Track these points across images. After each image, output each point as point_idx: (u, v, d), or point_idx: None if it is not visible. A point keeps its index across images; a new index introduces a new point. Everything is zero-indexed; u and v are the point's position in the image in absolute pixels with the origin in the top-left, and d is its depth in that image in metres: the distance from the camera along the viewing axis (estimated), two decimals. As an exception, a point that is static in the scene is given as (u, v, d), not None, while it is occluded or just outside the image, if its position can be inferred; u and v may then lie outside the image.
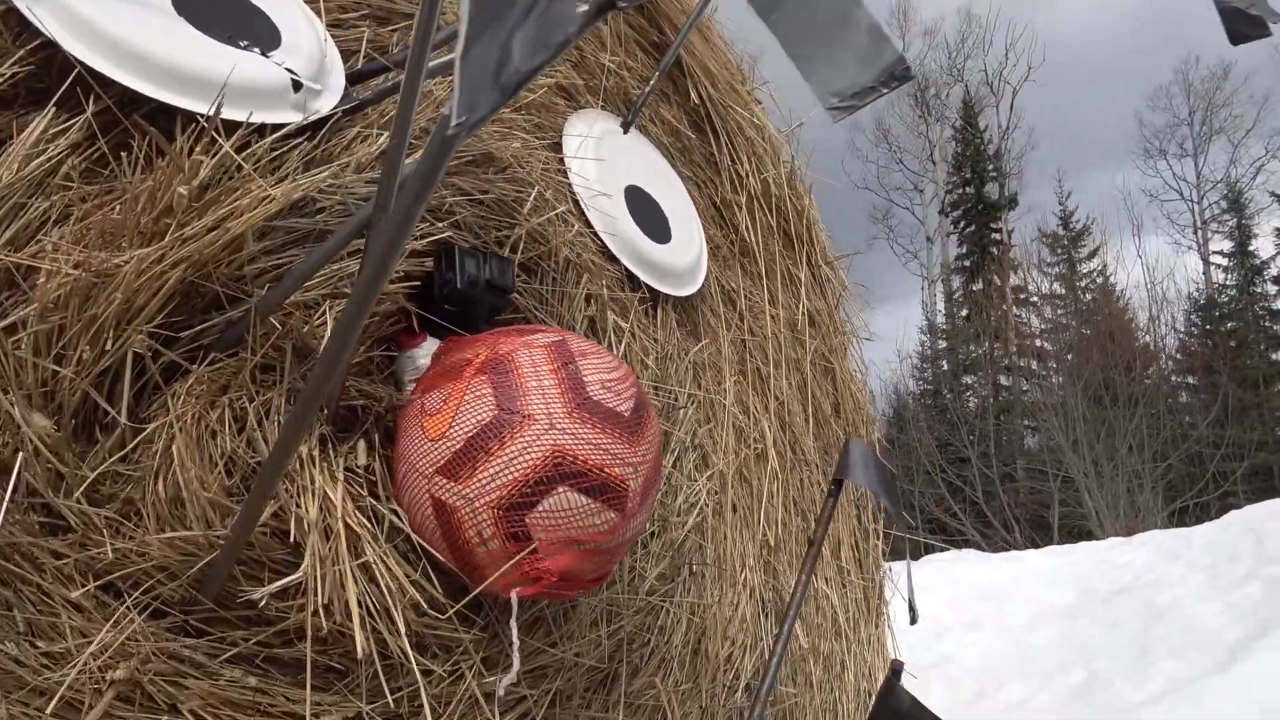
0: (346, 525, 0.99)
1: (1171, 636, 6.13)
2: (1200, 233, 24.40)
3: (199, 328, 0.99)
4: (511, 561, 0.95)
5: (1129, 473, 14.03)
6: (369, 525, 1.02)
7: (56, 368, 0.87)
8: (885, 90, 1.07)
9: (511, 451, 0.96)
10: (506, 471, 0.95)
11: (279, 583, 0.92)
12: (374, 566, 1.00)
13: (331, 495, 1.00)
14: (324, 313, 1.07)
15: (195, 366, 0.96)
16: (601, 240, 1.52)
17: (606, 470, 0.99)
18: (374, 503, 1.05)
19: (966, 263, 24.06)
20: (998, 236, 24.03)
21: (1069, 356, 19.70)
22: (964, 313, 23.50)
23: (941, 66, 24.41)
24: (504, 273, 1.24)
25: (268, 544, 0.98)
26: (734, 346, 1.81)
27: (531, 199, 1.35)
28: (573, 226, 1.45)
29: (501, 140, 1.36)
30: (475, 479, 0.95)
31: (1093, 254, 24.41)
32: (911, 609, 1.36)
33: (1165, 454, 14.65)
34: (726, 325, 1.82)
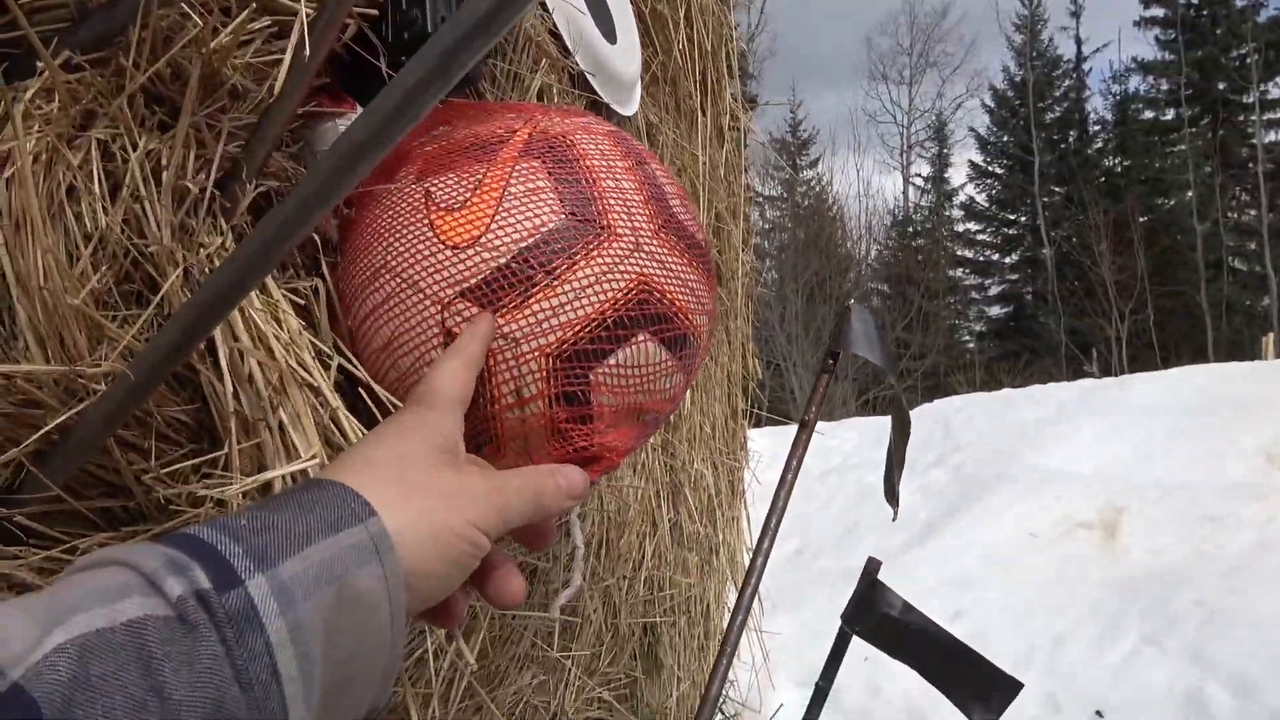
0: (292, 370, 0.62)
1: (876, 513, 6.84)
2: (905, 156, 26.96)
3: None
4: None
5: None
6: (318, 373, 0.65)
7: None
8: None
9: (586, 277, 0.63)
10: (576, 305, 0.63)
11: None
12: (329, 431, 0.64)
13: (269, 327, 0.62)
14: (242, 25, 0.65)
15: (41, 68, 0.52)
16: (554, 21, 1.15)
17: (690, 317, 0.69)
18: (314, 339, 0.68)
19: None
20: (755, 134, 24.94)
21: (781, 255, 21.23)
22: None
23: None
24: (484, 27, 0.86)
25: (158, 395, 0.59)
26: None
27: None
28: (529, -8, 1.07)
29: None
30: (527, 311, 0.62)
31: (814, 163, 26.19)
32: (895, 502, 1.21)
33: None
34: (648, 163, 1.52)
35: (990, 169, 25.96)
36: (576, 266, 0.63)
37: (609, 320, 0.63)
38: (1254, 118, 21.51)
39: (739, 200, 1.88)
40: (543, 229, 0.63)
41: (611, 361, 0.64)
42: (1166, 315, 20.28)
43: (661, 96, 1.59)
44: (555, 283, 0.62)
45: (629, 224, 0.65)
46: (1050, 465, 6.42)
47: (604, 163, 0.67)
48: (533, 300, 0.62)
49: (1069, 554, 5.06)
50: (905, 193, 26.53)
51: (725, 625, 1.33)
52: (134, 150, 0.57)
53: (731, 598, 1.86)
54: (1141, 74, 23.99)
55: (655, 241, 0.67)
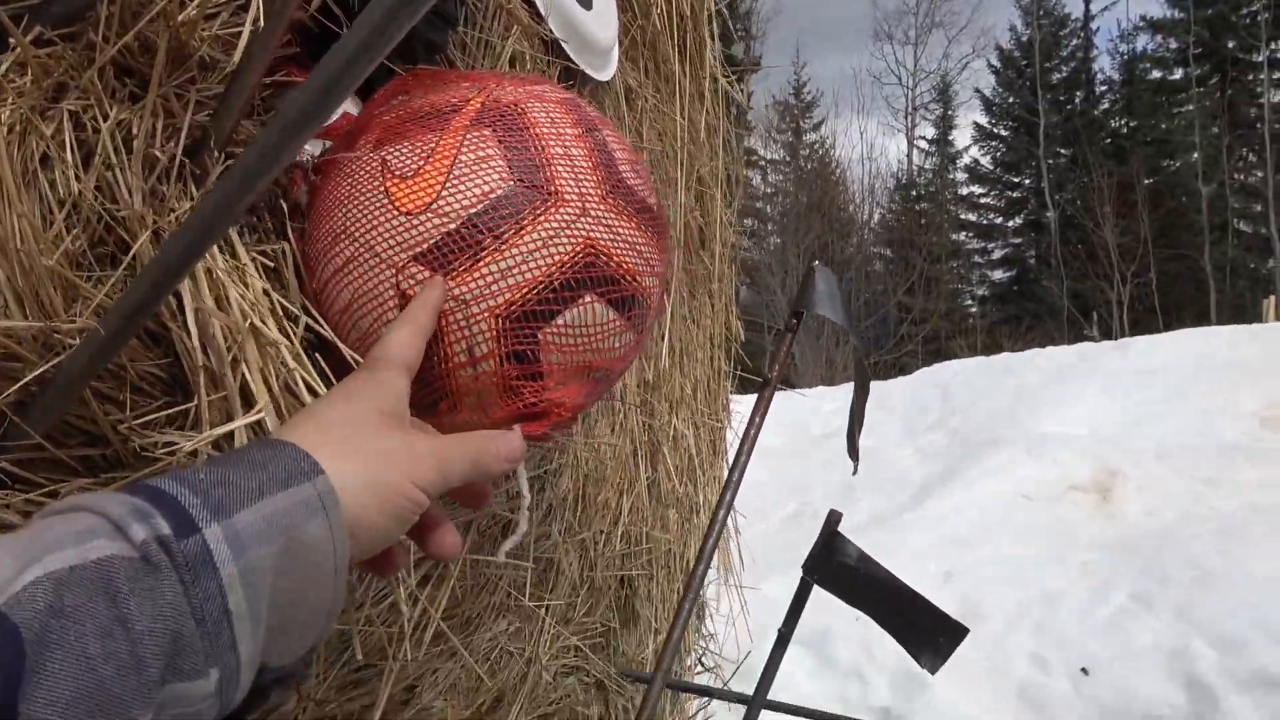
0: (257, 330, 0.66)
1: (874, 475, 6.89)
2: (910, 118, 26.72)
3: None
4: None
5: (830, 329, 15.51)
6: (285, 332, 0.69)
7: None
8: None
9: (532, 241, 0.67)
10: (523, 268, 0.66)
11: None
12: (290, 386, 0.68)
13: (235, 288, 0.66)
14: None
15: (13, 44, 0.56)
16: (526, -12, 1.17)
17: (638, 279, 0.73)
18: (283, 300, 0.72)
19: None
20: (737, 96, 24.73)
21: (784, 220, 21.14)
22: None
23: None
24: (449, -3, 0.89)
25: (132, 350, 0.63)
26: (634, 154, 1.55)
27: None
28: (500, -41, 1.09)
29: None
30: (476, 275, 0.66)
31: (818, 126, 25.97)
32: (855, 456, 1.26)
33: (860, 316, 16.37)
34: (627, 130, 1.54)
35: (995, 131, 25.73)
36: (524, 231, 0.66)
37: (556, 282, 0.67)
38: (1263, 76, 21.25)
39: (719, 163, 1.90)
40: (491, 195, 0.66)
41: (559, 322, 0.68)
42: (1170, 279, 20.21)
43: (641, 60, 1.61)
44: (503, 247, 0.66)
45: (576, 190, 0.69)
46: (1047, 429, 6.46)
47: (554, 130, 0.71)
48: (481, 264, 0.66)
49: (1063, 516, 5.11)
50: (909, 155, 26.36)
51: (701, 580, 1.39)
52: (105, 120, 0.60)
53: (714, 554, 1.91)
54: (1150, 32, 23.70)
55: (603, 206, 0.70)
